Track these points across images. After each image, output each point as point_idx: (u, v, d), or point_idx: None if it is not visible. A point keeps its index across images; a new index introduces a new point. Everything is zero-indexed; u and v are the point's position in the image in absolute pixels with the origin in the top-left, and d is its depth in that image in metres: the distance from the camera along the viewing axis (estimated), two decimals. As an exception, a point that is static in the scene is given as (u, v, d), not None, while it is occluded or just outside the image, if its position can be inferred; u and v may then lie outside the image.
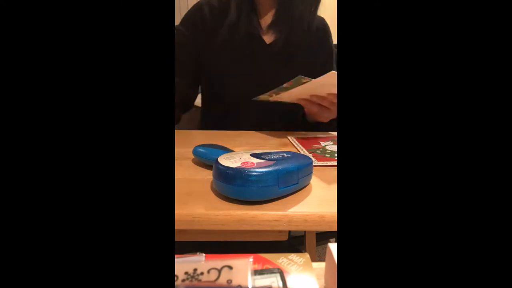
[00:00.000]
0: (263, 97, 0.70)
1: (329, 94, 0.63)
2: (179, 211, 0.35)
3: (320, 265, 0.25)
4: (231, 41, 0.77)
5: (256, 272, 0.22)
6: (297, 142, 0.63)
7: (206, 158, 0.49)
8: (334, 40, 0.92)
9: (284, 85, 0.62)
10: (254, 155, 0.40)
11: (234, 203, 0.37)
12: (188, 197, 0.39)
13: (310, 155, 0.54)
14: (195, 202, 0.37)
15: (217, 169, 0.37)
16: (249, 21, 0.77)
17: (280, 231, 0.40)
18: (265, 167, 0.36)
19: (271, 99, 0.70)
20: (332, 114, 0.68)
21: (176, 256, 0.22)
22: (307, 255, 0.24)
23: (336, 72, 0.54)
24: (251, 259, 0.23)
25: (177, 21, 0.82)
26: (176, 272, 0.21)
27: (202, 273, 0.21)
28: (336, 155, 0.54)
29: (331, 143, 0.62)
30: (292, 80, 0.60)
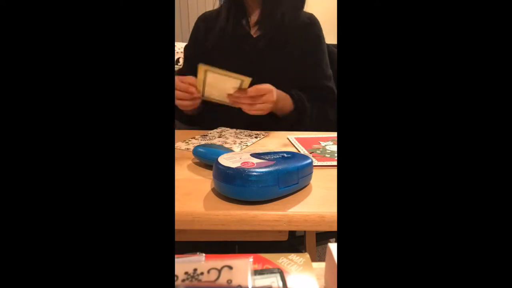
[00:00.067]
0: (206, 96, 0.72)
1: (239, 89, 0.66)
2: (179, 211, 0.35)
3: (320, 265, 0.25)
4: (221, 42, 0.81)
5: (256, 272, 0.22)
6: (297, 142, 0.63)
7: (206, 158, 0.49)
8: (329, 39, 0.92)
9: (197, 76, 0.67)
10: (254, 155, 0.40)
11: (234, 203, 0.37)
12: (188, 197, 0.39)
13: (310, 155, 0.54)
14: (195, 202, 0.37)
15: (217, 169, 0.37)
16: (237, 22, 0.81)
17: (280, 231, 0.40)
18: (265, 167, 0.36)
19: (206, 99, 0.73)
20: (263, 106, 0.69)
21: (176, 256, 0.22)
22: (307, 255, 0.24)
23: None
24: (251, 259, 0.23)
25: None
26: (176, 272, 0.21)
27: (202, 273, 0.21)
28: (335, 155, 0.54)
29: (331, 143, 0.62)
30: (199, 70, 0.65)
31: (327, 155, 0.54)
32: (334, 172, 0.48)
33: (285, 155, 0.42)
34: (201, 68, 0.65)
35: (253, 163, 0.37)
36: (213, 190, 0.40)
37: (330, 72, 0.89)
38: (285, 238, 0.40)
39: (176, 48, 1.46)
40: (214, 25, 0.83)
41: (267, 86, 0.69)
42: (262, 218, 0.35)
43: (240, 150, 0.58)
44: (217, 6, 0.91)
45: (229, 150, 0.49)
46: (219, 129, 0.76)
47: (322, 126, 0.79)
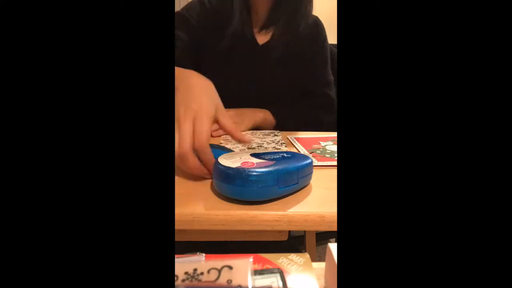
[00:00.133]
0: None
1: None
2: (179, 211, 0.35)
3: (320, 265, 0.25)
4: (230, 47, 0.79)
5: (256, 272, 0.22)
6: (297, 142, 0.63)
7: None
8: (333, 39, 0.92)
9: None
10: (254, 155, 0.40)
11: (234, 203, 0.37)
12: (188, 197, 0.39)
13: (310, 155, 0.54)
14: (195, 202, 0.37)
15: (217, 169, 0.37)
16: (248, 27, 0.79)
17: (280, 231, 0.40)
18: (265, 167, 0.36)
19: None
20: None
21: (176, 256, 0.22)
22: (307, 255, 0.24)
23: None
24: (251, 259, 0.23)
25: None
26: (176, 272, 0.21)
27: (202, 273, 0.21)
28: (335, 155, 0.54)
29: (331, 143, 0.62)
30: None
31: (327, 155, 0.54)
32: (334, 172, 0.48)
33: (285, 155, 0.42)
34: None
35: (253, 163, 0.37)
36: (213, 190, 0.40)
37: (331, 78, 0.89)
38: (285, 238, 0.40)
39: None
40: (222, 26, 0.78)
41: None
42: (262, 218, 0.35)
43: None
44: None
45: (229, 150, 0.49)
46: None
47: (317, 129, 0.80)
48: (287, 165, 0.38)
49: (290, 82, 0.82)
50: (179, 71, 0.47)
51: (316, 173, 0.45)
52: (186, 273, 0.21)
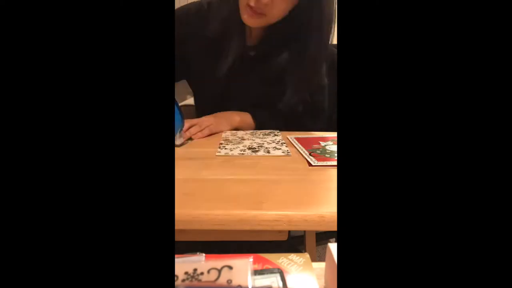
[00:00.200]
0: None
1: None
2: (179, 211, 0.35)
3: (320, 265, 0.25)
4: (233, 67, 0.78)
5: (256, 272, 0.22)
6: (297, 142, 0.63)
7: None
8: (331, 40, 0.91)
9: None
10: None
11: (234, 203, 0.37)
12: (188, 197, 0.39)
13: (310, 155, 0.54)
14: (195, 202, 0.37)
15: None
16: (244, 47, 0.78)
17: (280, 231, 0.40)
18: None
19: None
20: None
21: (176, 256, 0.22)
22: (307, 255, 0.24)
23: None
24: (251, 259, 0.23)
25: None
26: (176, 272, 0.21)
27: (202, 273, 0.21)
28: (335, 155, 0.54)
29: (331, 143, 0.62)
30: None
31: (327, 155, 0.54)
32: (334, 172, 0.48)
33: None
34: None
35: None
36: (213, 190, 0.40)
37: (324, 82, 0.86)
38: (285, 238, 0.40)
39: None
40: (219, 50, 0.78)
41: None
42: (262, 218, 0.35)
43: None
44: None
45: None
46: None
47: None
48: None
49: (280, 89, 0.80)
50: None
51: (315, 173, 0.45)
52: (186, 273, 0.21)
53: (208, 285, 0.20)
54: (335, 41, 0.90)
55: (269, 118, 0.81)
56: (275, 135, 0.71)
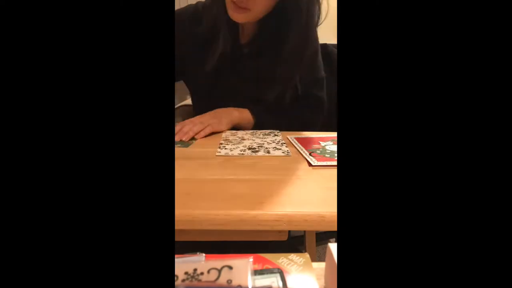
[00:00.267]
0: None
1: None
2: (179, 211, 0.35)
3: (320, 265, 0.25)
4: (220, 64, 0.79)
5: (256, 272, 0.22)
6: (297, 142, 0.63)
7: None
8: (329, 39, 0.91)
9: None
10: None
11: (234, 203, 0.37)
12: (188, 197, 0.39)
13: (310, 155, 0.54)
14: (195, 202, 0.37)
15: None
16: (235, 44, 0.78)
17: (280, 231, 0.40)
18: None
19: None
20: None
21: (176, 256, 0.22)
22: (307, 255, 0.24)
23: None
24: (251, 259, 0.23)
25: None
26: (176, 272, 0.21)
27: (202, 273, 0.21)
28: (335, 155, 0.54)
29: (331, 143, 0.62)
30: None
31: (326, 155, 0.54)
32: (333, 172, 0.48)
33: None
34: None
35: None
36: (213, 190, 0.40)
37: (321, 74, 0.87)
38: (285, 238, 0.40)
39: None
40: (210, 48, 0.79)
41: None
42: (262, 218, 0.35)
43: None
44: None
45: None
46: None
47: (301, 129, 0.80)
48: None
49: (276, 82, 0.81)
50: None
51: (315, 173, 0.45)
52: (186, 273, 0.21)
53: (208, 285, 0.20)
54: (334, 41, 0.90)
55: (268, 113, 0.81)
56: (275, 135, 0.71)
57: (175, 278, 0.21)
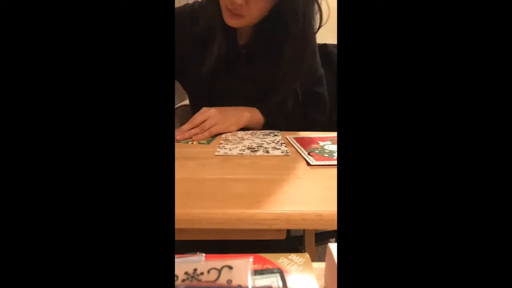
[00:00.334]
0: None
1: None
2: (178, 210, 0.35)
3: (320, 265, 0.25)
4: (217, 66, 0.78)
5: (256, 272, 0.22)
6: (295, 142, 0.63)
7: None
8: (329, 39, 0.91)
9: None
10: None
11: (233, 202, 0.37)
12: (188, 196, 0.39)
13: (309, 155, 0.54)
14: (194, 202, 0.37)
15: None
16: (231, 45, 0.78)
17: (278, 230, 0.40)
18: None
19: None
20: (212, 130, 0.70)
21: (176, 256, 0.22)
22: (307, 255, 0.24)
23: None
24: (251, 259, 0.23)
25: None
26: (176, 272, 0.21)
27: (202, 273, 0.21)
28: (334, 154, 0.54)
29: (330, 142, 0.62)
30: None
31: (325, 155, 0.54)
32: (332, 171, 0.48)
33: None
34: None
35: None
36: (212, 189, 0.40)
37: (320, 72, 0.87)
38: (283, 236, 0.41)
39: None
40: (207, 48, 0.78)
41: (204, 111, 0.72)
42: (260, 217, 0.35)
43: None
44: None
45: None
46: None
47: (311, 128, 0.79)
48: None
49: (278, 80, 0.80)
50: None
51: (314, 172, 0.45)
52: (186, 273, 0.21)
53: (208, 285, 0.20)
54: (334, 41, 0.90)
55: (278, 113, 0.80)
56: (275, 135, 0.71)
57: (175, 278, 0.21)
